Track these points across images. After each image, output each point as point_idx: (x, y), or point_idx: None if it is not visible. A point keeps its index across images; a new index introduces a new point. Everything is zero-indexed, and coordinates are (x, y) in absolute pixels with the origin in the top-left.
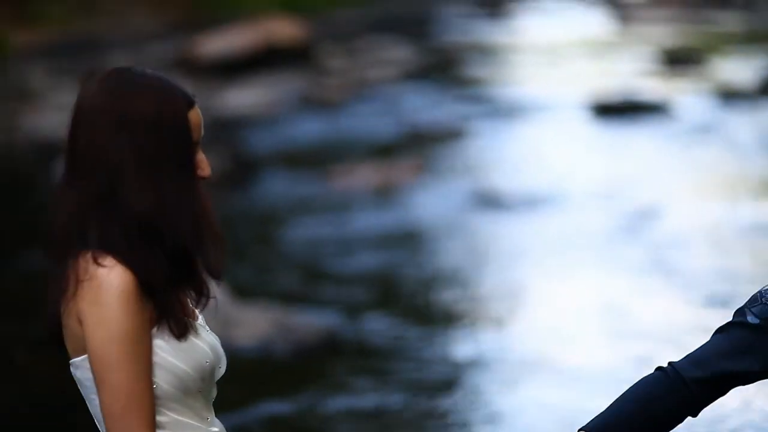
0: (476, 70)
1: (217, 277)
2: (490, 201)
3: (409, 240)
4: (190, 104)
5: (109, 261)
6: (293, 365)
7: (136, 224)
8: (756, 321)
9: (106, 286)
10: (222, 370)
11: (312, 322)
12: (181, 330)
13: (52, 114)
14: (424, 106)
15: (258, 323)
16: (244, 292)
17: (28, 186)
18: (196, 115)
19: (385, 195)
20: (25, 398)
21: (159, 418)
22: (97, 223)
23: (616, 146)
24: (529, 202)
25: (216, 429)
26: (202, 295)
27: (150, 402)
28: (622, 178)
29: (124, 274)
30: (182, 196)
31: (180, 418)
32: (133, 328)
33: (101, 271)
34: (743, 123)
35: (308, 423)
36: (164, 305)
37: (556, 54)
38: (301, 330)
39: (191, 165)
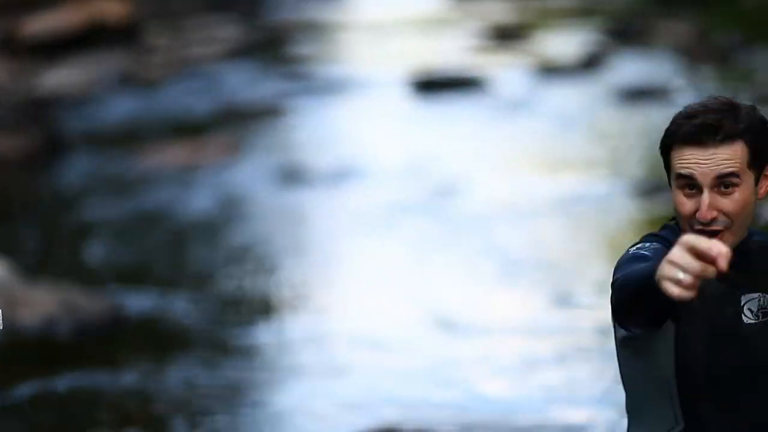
0: (301, 48)
1: None
2: (297, 177)
3: (211, 217)
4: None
5: None
6: (76, 344)
7: None
8: None
9: None
10: None
11: (99, 302)
12: None
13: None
14: (245, 84)
15: (44, 302)
16: (32, 271)
17: None
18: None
19: (193, 173)
20: None
21: None
22: None
23: (431, 122)
24: (336, 178)
25: None
26: None
27: None
28: (435, 154)
29: None
30: None
31: None
32: None
33: None
34: (561, 98)
35: (70, 400)
36: None
37: (384, 32)
38: (86, 309)
39: None
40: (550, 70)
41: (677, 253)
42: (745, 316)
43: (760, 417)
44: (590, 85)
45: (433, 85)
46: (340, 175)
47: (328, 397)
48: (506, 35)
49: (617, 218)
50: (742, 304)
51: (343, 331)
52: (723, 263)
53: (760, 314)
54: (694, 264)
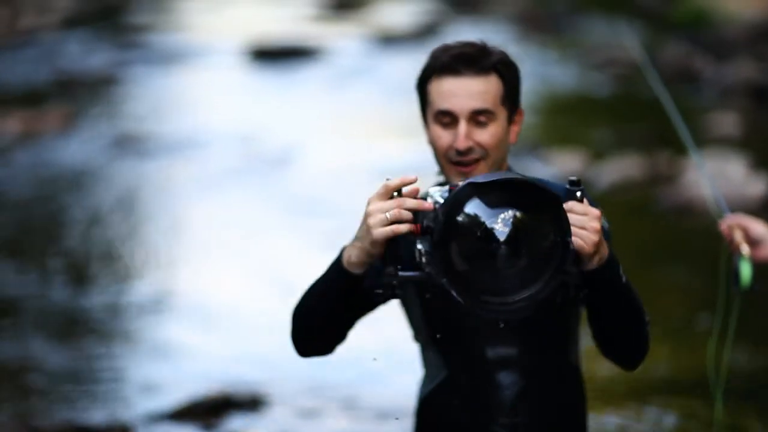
0: (138, 17)
1: None
2: (135, 147)
3: (49, 186)
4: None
5: None
6: None
7: None
8: None
9: None
10: None
11: None
12: None
13: None
14: (81, 54)
15: None
16: None
17: None
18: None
19: (30, 143)
20: None
21: None
22: None
23: (269, 91)
24: (175, 148)
25: None
26: None
27: None
28: (272, 123)
29: None
30: None
31: None
32: None
33: None
34: (398, 67)
35: None
36: None
37: (221, 0)
38: None
39: None
40: (388, 39)
41: (372, 205)
42: None
43: (522, 355)
44: (426, 54)
45: (271, 54)
46: (179, 145)
47: (167, 366)
48: (344, 4)
49: None
50: None
51: (182, 301)
52: (409, 180)
53: None
54: (390, 203)
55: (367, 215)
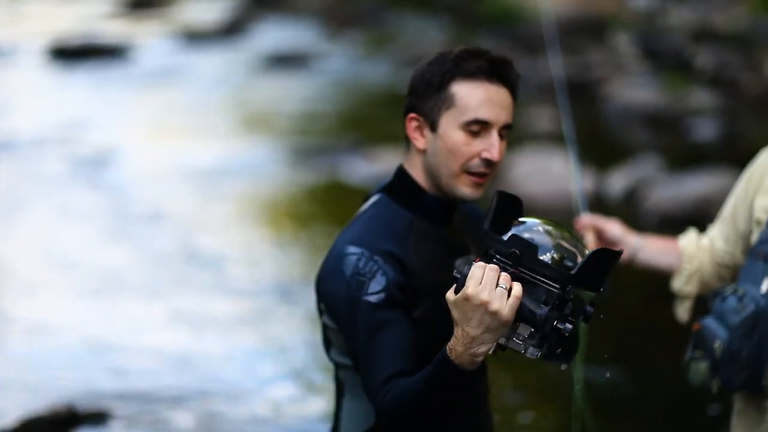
0: None
1: None
2: None
3: None
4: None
5: None
6: None
7: None
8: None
9: None
10: None
11: None
12: None
13: None
14: None
15: None
16: None
17: None
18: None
19: None
20: None
21: None
22: None
23: (73, 91)
24: None
25: None
26: None
27: None
28: (79, 123)
29: None
30: None
31: None
32: None
33: None
34: (205, 65)
35: None
36: None
37: None
38: None
39: None
40: (193, 37)
41: (477, 290)
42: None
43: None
44: (234, 52)
45: (72, 53)
46: None
47: (4, 382)
48: (143, 2)
49: (270, 184)
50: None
51: (14, 314)
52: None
53: None
54: (492, 276)
55: (483, 303)
